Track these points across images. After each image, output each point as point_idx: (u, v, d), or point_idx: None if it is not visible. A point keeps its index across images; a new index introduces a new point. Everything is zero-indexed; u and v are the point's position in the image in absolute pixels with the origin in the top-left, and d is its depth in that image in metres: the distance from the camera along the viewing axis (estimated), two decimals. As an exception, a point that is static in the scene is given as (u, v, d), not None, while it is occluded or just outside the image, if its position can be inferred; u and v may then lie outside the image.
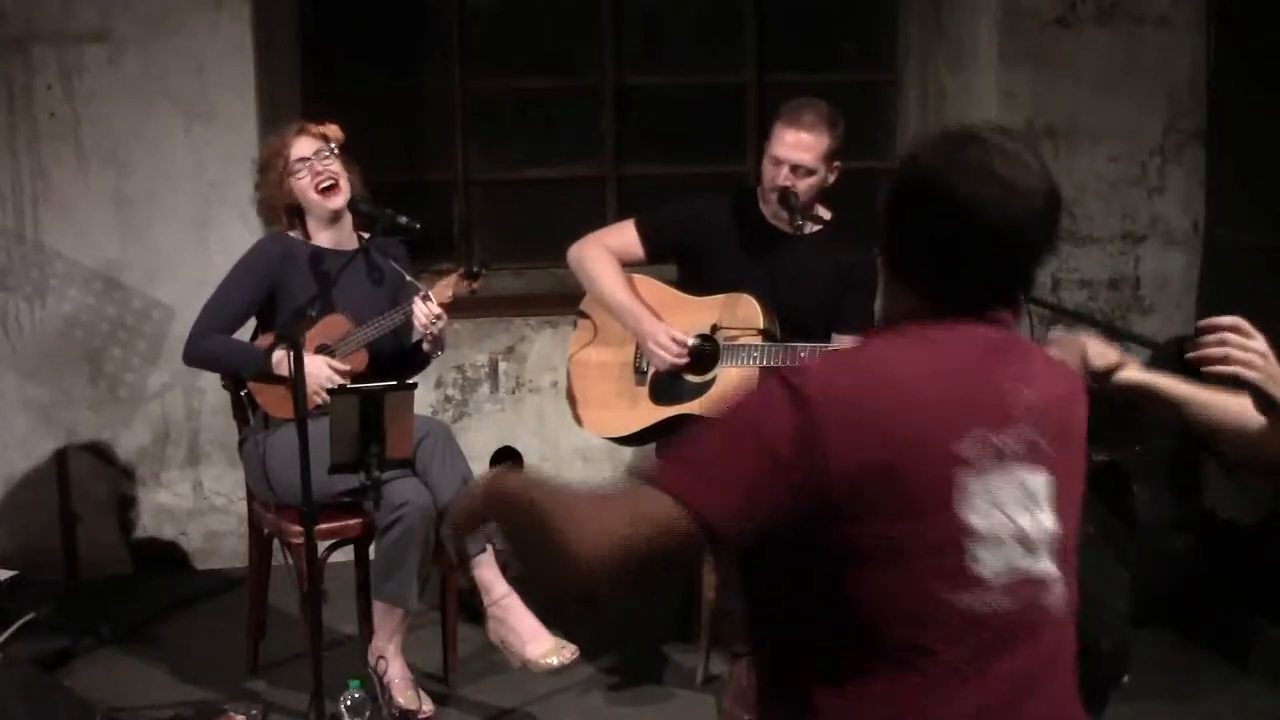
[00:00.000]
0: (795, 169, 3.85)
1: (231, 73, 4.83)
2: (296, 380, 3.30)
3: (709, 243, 3.98)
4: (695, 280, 4.02)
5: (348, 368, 3.84)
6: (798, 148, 3.84)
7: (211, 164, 4.85)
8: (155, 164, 4.83)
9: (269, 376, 3.76)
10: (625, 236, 4.03)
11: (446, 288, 3.84)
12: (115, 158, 4.82)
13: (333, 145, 3.89)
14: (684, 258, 4.07)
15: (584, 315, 4.14)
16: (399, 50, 5.35)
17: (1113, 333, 4.90)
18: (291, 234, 3.96)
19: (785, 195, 3.86)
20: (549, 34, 5.49)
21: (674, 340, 3.89)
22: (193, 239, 4.87)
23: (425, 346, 3.94)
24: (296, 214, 3.93)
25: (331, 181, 3.86)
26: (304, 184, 3.86)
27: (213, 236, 4.85)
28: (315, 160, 3.86)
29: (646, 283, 4.06)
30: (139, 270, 4.88)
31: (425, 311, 3.79)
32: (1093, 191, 5.21)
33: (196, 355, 3.90)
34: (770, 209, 3.94)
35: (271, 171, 3.90)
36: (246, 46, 4.84)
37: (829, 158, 3.87)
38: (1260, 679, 3.98)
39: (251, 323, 3.98)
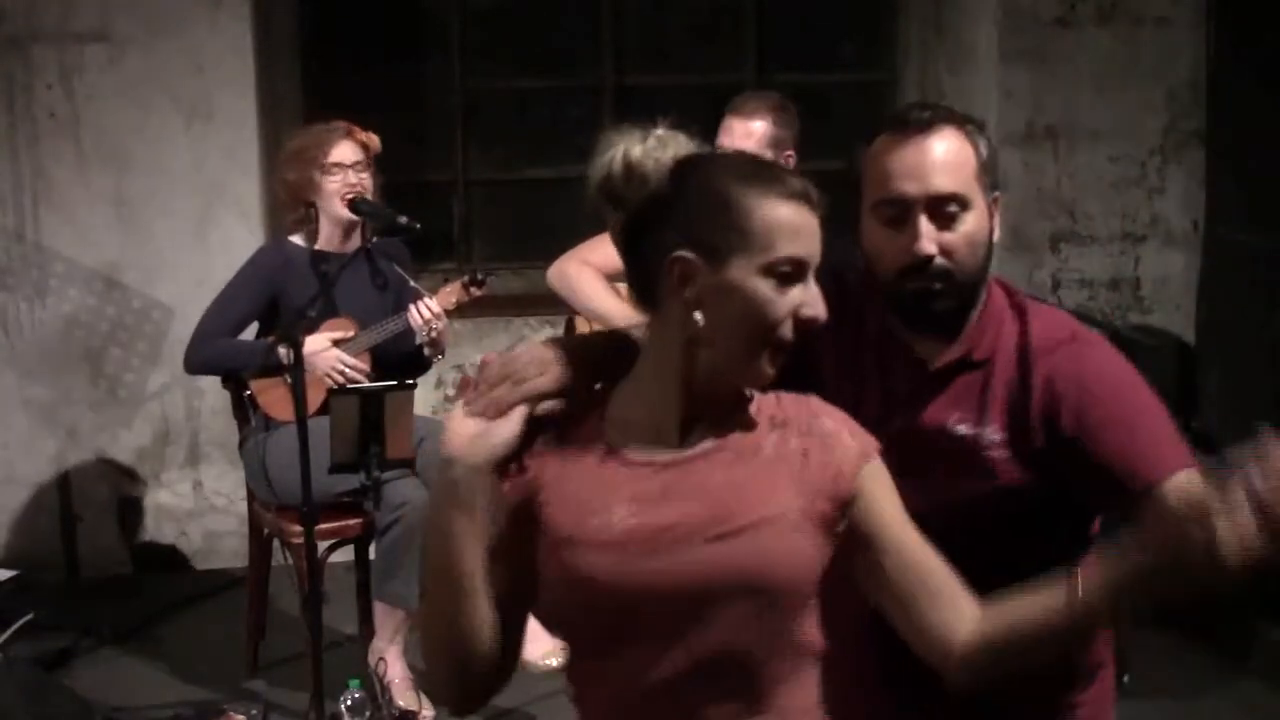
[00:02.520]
0: None
1: (231, 72, 4.83)
2: (296, 381, 3.30)
3: None
4: None
5: (358, 363, 3.84)
6: (738, 134, 3.87)
7: (212, 164, 4.85)
8: (155, 164, 4.83)
9: (273, 369, 3.75)
10: (604, 250, 3.98)
11: (450, 294, 3.85)
12: (115, 157, 4.82)
13: (369, 156, 3.89)
14: None
15: (576, 317, 4.12)
16: (399, 50, 5.35)
17: (1114, 334, 4.91)
18: (293, 239, 3.96)
19: None
20: (549, 34, 5.49)
21: None
22: (193, 239, 4.87)
23: (426, 350, 3.95)
24: (311, 207, 3.92)
25: (358, 195, 3.85)
26: (334, 188, 3.85)
27: (213, 236, 4.85)
28: (352, 171, 3.85)
29: None
30: (139, 270, 4.88)
31: (424, 312, 3.79)
32: (1093, 191, 5.21)
33: (198, 363, 3.91)
34: None
35: (303, 159, 3.88)
36: (246, 46, 4.84)
37: (774, 144, 3.87)
38: (1260, 679, 3.98)
39: (253, 327, 3.98)
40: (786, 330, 1.64)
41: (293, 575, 3.74)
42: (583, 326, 4.12)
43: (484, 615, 1.68)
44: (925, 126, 1.95)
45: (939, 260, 1.95)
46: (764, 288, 1.62)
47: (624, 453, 1.69)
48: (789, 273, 1.63)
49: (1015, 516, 1.95)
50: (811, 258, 1.66)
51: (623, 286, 4.03)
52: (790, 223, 1.64)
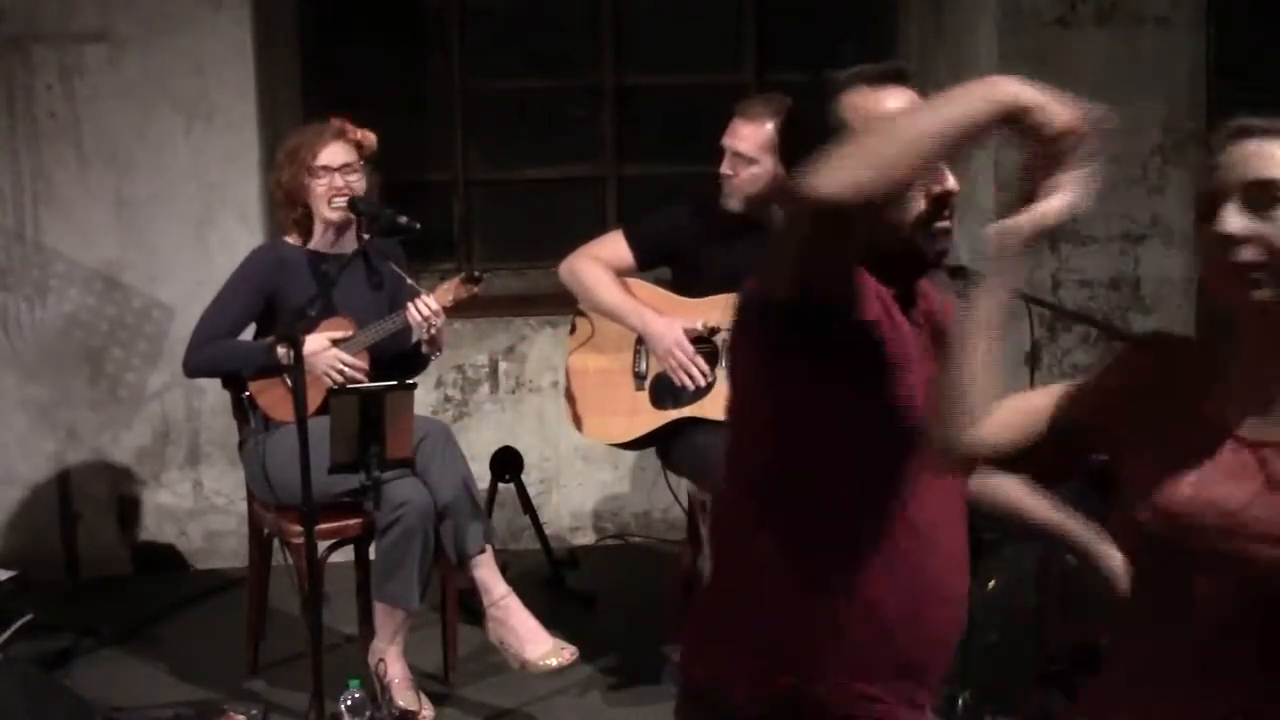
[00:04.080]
0: (736, 157, 3.85)
1: (231, 73, 4.83)
2: (296, 381, 3.30)
3: (696, 244, 3.97)
4: (689, 283, 4.01)
5: (357, 362, 3.84)
6: (734, 136, 3.86)
7: (212, 164, 4.85)
8: (156, 164, 4.83)
9: (273, 369, 3.75)
10: (615, 247, 4.00)
11: (447, 292, 3.85)
12: (116, 158, 4.82)
13: (363, 155, 3.88)
14: (675, 262, 4.06)
15: (581, 315, 4.13)
16: (399, 50, 5.35)
17: (1112, 332, 4.91)
18: (289, 240, 3.96)
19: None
20: (549, 34, 5.50)
21: (682, 343, 3.88)
22: (193, 239, 4.87)
23: (424, 348, 3.95)
24: (307, 208, 3.92)
25: (344, 200, 3.85)
26: (320, 191, 3.85)
27: (213, 236, 4.85)
28: (340, 174, 3.84)
29: (642, 287, 4.05)
30: (139, 270, 4.88)
31: (422, 309, 3.79)
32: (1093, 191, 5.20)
33: (197, 366, 3.90)
34: (725, 201, 3.94)
35: (294, 160, 3.87)
36: (246, 47, 4.85)
37: (775, 149, 3.85)
38: (1260, 679, 3.97)
39: (251, 329, 3.98)
40: None
41: (293, 575, 3.74)
42: (585, 326, 4.12)
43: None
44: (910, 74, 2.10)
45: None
46: None
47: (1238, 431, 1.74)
48: None
49: None
50: None
51: (632, 282, 4.04)
52: None
